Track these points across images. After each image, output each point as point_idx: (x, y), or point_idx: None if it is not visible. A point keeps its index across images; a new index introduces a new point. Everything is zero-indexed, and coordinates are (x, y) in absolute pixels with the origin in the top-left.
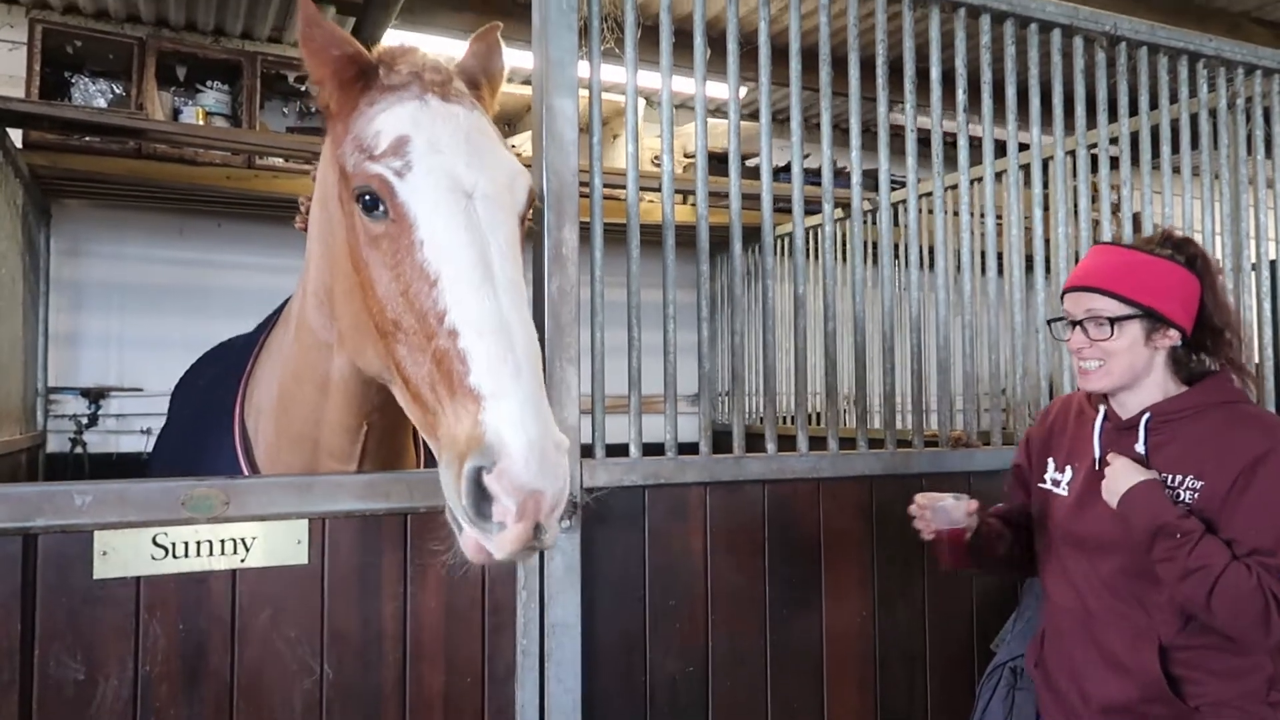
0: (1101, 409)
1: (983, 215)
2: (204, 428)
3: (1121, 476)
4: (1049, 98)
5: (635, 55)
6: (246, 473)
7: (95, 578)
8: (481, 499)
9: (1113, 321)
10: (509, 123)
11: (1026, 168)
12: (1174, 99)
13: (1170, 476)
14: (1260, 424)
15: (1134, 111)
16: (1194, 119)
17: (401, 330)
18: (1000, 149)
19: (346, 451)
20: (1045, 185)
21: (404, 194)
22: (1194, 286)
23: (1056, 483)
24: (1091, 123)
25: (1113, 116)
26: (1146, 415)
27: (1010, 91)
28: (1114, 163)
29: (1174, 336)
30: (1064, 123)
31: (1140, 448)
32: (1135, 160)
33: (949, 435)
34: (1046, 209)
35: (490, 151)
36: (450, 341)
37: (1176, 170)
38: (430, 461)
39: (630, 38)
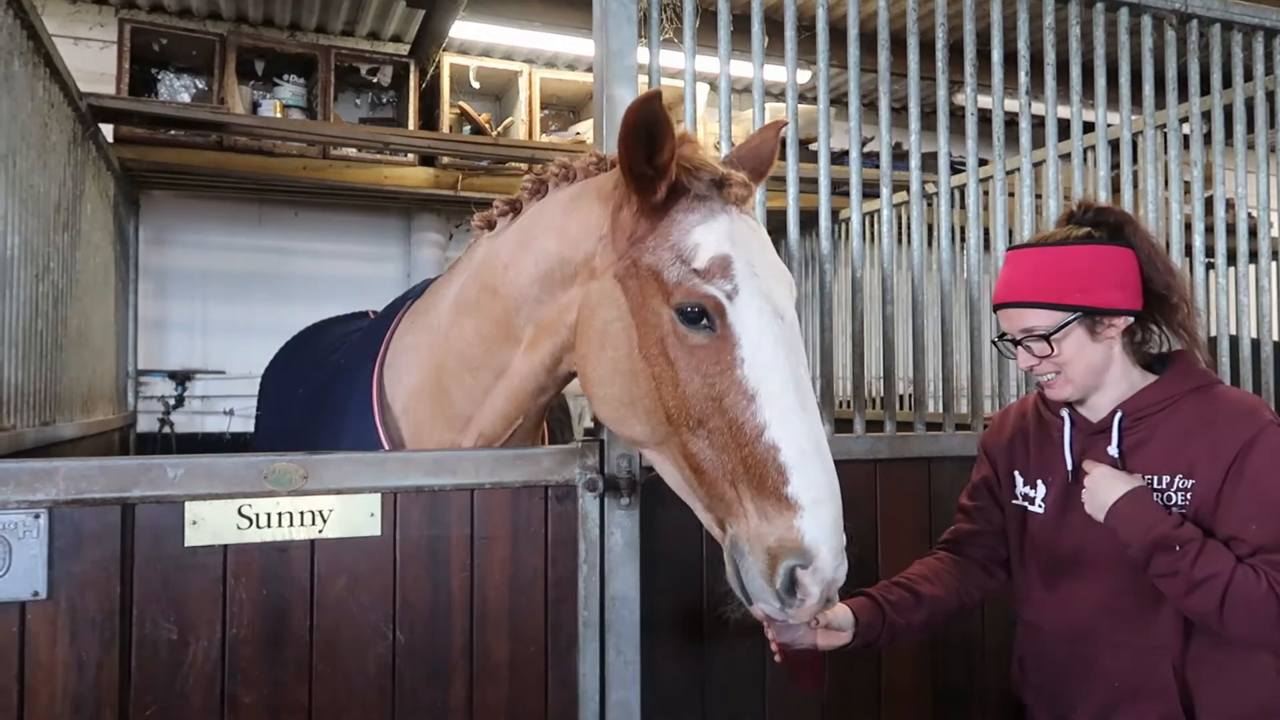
0: (1065, 414)
1: (1038, 196)
2: (337, 406)
3: (1105, 487)
4: (1115, 77)
5: (694, 44)
6: (387, 447)
7: (186, 545)
8: (792, 585)
9: (1049, 337)
10: (573, 110)
11: (1092, 149)
12: (1248, 76)
13: (1156, 478)
14: (1241, 408)
15: (1205, 90)
16: (1270, 96)
17: (705, 428)
18: (1064, 130)
19: (498, 435)
20: (1114, 167)
21: (732, 316)
22: (1127, 260)
23: (1030, 499)
24: (1160, 102)
25: (1183, 95)
26: (1119, 415)
27: (1075, 72)
28: (1185, 142)
29: (1120, 323)
30: (1132, 103)
31: (1114, 450)
32: (1207, 139)
33: None
34: (1115, 191)
35: (781, 266)
36: (770, 454)
37: (1252, 148)
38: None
39: (689, 27)
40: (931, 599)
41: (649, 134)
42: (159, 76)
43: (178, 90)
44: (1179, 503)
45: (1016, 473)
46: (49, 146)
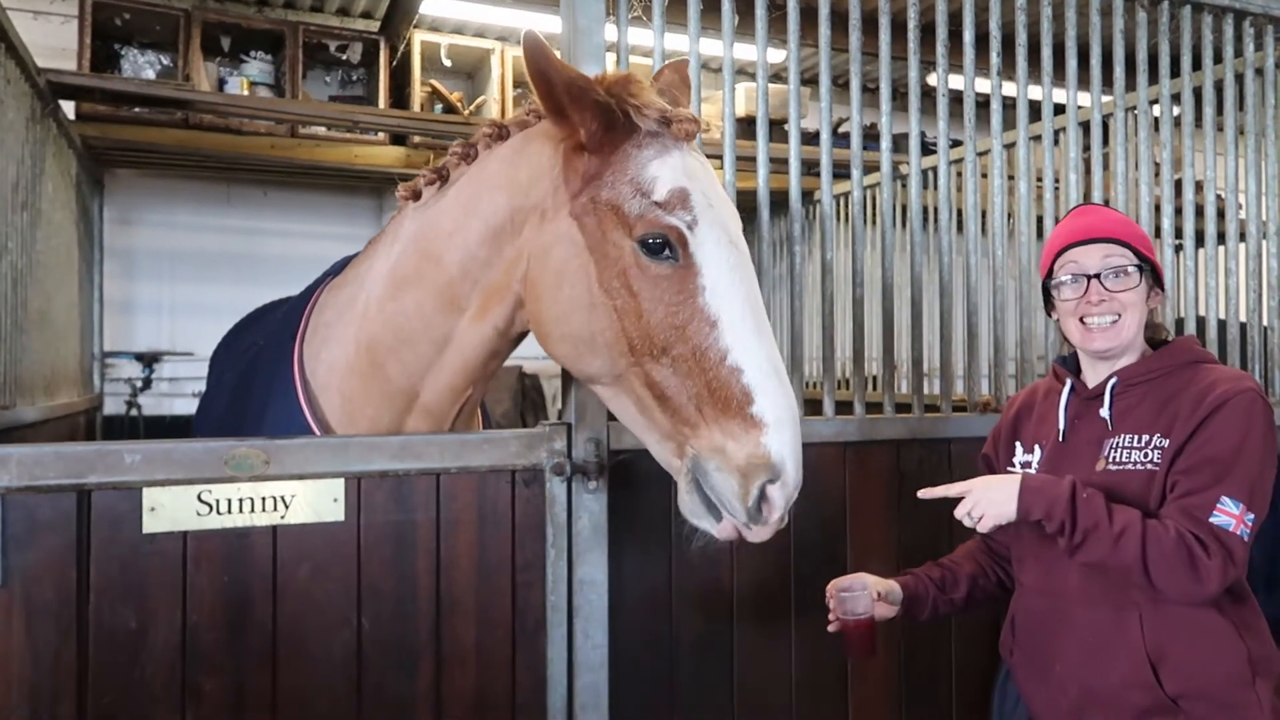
0: (1069, 381)
1: (1010, 177)
2: (260, 388)
3: (994, 489)
4: (1086, 58)
5: (663, 22)
6: (317, 430)
7: (144, 532)
8: (761, 501)
9: (1138, 269)
10: None
11: (1064, 130)
12: (1218, 59)
13: (1137, 436)
14: (1226, 375)
15: (1176, 72)
16: (1239, 78)
17: (669, 355)
18: (1036, 112)
19: (445, 412)
20: (1086, 149)
21: (694, 245)
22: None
23: (1027, 464)
24: (1131, 84)
25: (1154, 77)
26: (1113, 380)
27: (1046, 53)
28: (1155, 124)
29: (1160, 297)
30: (1103, 84)
31: (1105, 412)
32: (1177, 122)
33: (977, 400)
34: (1086, 173)
35: (729, 199)
36: (732, 376)
37: (1221, 130)
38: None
39: (658, 4)
40: (970, 575)
41: (539, 72)
42: (122, 52)
43: (141, 66)
44: (1154, 460)
45: (1017, 442)
46: (5, 124)
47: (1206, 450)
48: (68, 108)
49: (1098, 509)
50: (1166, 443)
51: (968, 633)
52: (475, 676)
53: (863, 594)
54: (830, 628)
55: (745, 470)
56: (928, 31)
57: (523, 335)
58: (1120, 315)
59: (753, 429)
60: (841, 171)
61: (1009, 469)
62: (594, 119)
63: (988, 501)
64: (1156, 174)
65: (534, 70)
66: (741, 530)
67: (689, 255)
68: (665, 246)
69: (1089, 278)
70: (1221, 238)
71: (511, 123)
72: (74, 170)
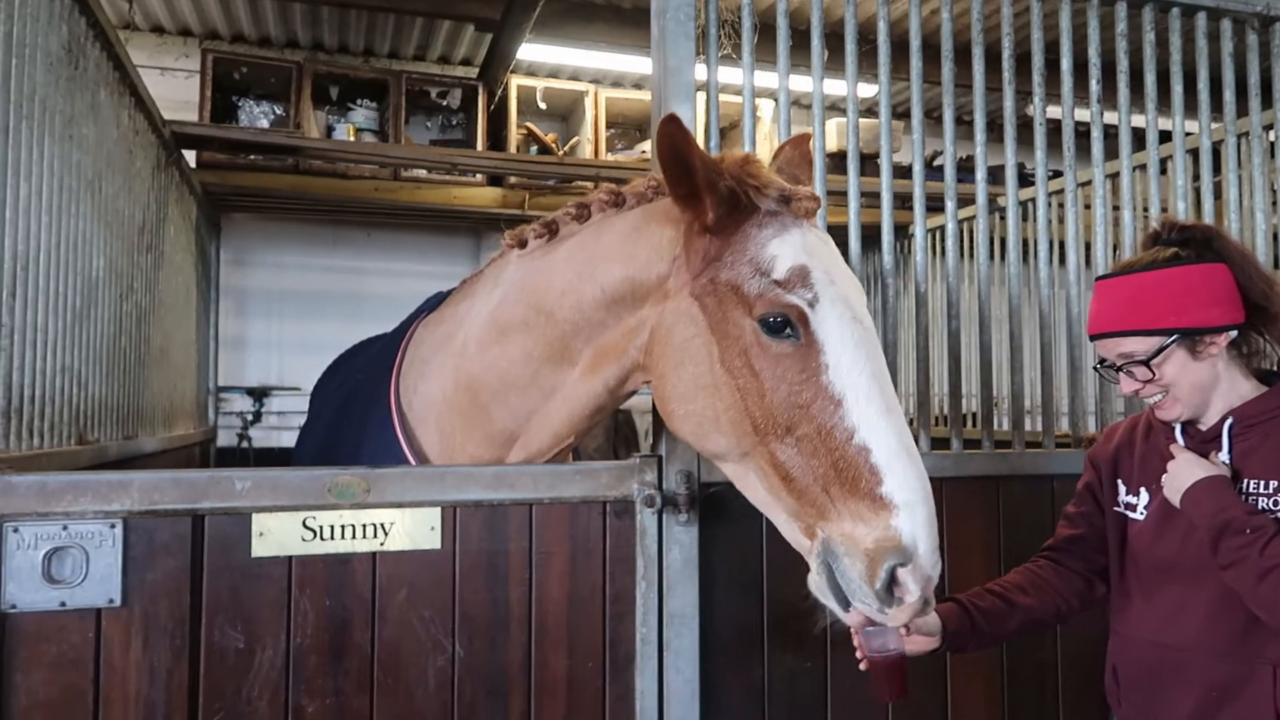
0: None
1: (1115, 208)
2: (357, 419)
3: (1184, 472)
4: (1193, 84)
5: (752, 60)
6: (413, 460)
7: (253, 556)
8: (890, 585)
9: (1148, 362)
10: (639, 129)
11: (1170, 159)
12: None
13: (1264, 482)
14: None
15: None
16: None
17: (793, 435)
18: (1139, 140)
19: (545, 453)
20: (1195, 177)
21: (815, 323)
22: (1220, 275)
23: (1132, 507)
24: (1243, 109)
25: (1267, 101)
26: (1229, 421)
27: (1150, 79)
28: (1271, 150)
29: (1221, 340)
30: (1211, 110)
31: (1225, 456)
32: None
33: (1082, 436)
34: (1196, 202)
35: (852, 275)
36: (861, 456)
37: None
38: None
39: (747, 43)
40: (1025, 609)
41: (676, 156)
42: (239, 103)
43: (256, 116)
44: None
45: (1120, 481)
46: (134, 172)
47: None
48: (189, 156)
49: (1250, 548)
50: None
51: (1076, 682)
52: (566, 707)
53: (890, 628)
54: (860, 666)
55: (874, 554)
56: (1023, 61)
57: (630, 394)
58: (1167, 389)
59: (882, 510)
60: (937, 205)
61: (1114, 509)
62: (721, 204)
63: (1172, 475)
64: (1274, 202)
65: (673, 156)
66: (875, 617)
67: (810, 333)
68: (786, 325)
69: (1116, 369)
70: None
71: (630, 192)
72: (194, 214)
